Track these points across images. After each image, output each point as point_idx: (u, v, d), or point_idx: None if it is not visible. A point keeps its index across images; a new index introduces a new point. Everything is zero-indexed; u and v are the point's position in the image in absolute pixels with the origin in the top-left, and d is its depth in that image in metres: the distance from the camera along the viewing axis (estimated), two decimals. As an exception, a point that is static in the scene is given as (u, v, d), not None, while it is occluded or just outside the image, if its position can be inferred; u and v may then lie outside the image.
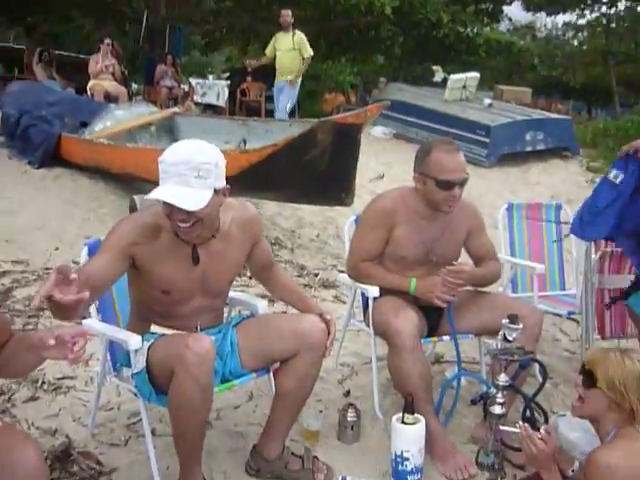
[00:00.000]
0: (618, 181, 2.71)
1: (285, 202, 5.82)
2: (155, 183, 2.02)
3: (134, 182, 5.89)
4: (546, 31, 30.70)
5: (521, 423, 2.36)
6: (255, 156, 4.44)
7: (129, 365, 2.21)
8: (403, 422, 2.40)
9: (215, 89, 13.69)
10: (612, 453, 1.94)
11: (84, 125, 6.78)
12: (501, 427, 2.37)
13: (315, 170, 4.27)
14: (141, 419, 2.71)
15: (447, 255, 2.79)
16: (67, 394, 2.93)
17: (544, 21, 29.04)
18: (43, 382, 2.96)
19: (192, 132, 6.42)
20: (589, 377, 2.08)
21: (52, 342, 1.50)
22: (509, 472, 2.48)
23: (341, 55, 18.41)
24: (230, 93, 14.13)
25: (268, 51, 9.21)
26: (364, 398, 2.99)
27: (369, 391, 3.01)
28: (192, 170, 1.95)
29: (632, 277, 2.99)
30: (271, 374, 2.46)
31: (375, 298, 2.80)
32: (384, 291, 2.77)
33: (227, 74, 17.37)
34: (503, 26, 24.37)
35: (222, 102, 13.58)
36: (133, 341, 2.14)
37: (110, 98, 9.03)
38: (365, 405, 2.88)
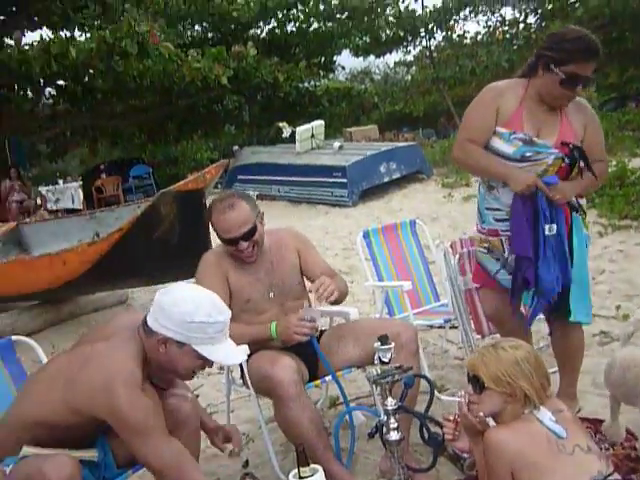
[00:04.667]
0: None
1: (151, 285, 5.48)
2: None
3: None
4: (381, 72, 32.58)
5: (461, 393, 2.24)
6: (104, 245, 4.19)
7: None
8: (300, 477, 2.24)
9: (68, 193, 13.26)
10: (501, 431, 1.95)
11: None
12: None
13: (169, 245, 4.12)
14: None
15: (287, 284, 2.79)
16: None
17: (376, 63, 30.81)
18: None
19: (41, 238, 6.10)
20: (476, 382, 2.05)
21: None
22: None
23: (192, 133, 18.46)
24: (87, 194, 13.74)
25: None
26: (264, 464, 2.81)
27: (268, 455, 2.84)
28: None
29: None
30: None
31: (248, 356, 2.67)
32: (253, 348, 2.66)
33: (81, 176, 17.00)
34: (341, 75, 25.63)
35: (78, 204, 13.16)
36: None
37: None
38: (266, 470, 2.71)
